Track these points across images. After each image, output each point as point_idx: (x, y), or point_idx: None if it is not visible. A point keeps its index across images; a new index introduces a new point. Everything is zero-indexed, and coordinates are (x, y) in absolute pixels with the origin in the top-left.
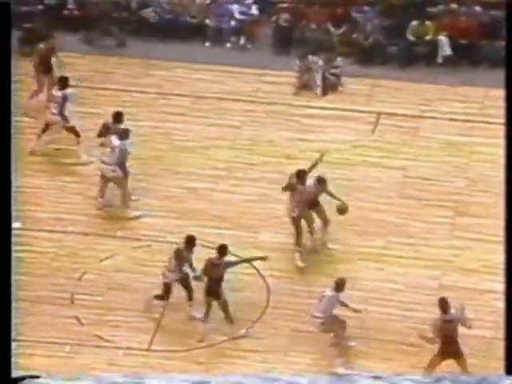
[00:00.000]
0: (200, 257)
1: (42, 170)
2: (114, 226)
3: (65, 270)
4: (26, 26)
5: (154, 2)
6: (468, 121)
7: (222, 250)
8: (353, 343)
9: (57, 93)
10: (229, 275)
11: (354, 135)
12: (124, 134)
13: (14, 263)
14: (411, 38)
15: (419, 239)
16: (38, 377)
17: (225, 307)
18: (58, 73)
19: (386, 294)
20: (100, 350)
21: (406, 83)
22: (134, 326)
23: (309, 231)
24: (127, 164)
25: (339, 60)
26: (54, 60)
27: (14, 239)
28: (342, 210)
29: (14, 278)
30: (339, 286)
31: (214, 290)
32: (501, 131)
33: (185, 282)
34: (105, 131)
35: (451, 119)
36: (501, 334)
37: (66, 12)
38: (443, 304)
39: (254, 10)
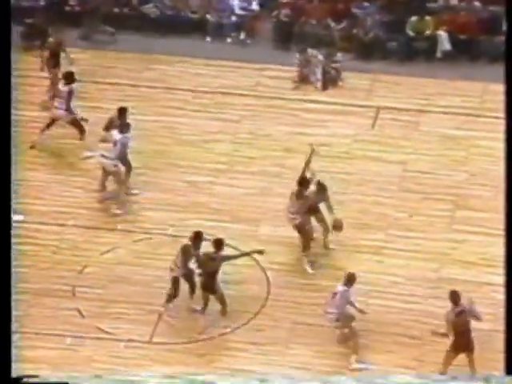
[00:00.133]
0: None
1: (44, 163)
2: (114, 219)
3: (66, 263)
4: (28, 22)
5: None
6: (467, 115)
7: (219, 243)
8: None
9: (63, 88)
10: (229, 268)
11: (354, 129)
12: (125, 128)
13: (15, 256)
14: (411, 33)
15: (419, 232)
16: (36, 376)
17: (222, 300)
18: (66, 67)
19: (385, 286)
20: (101, 342)
21: (405, 78)
22: (135, 318)
23: (310, 238)
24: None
25: (339, 55)
26: (62, 55)
27: (15, 232)
28: (337, 226)
29: (15, 270)
30: (350, 280)
31: (209, 285)
32: (500, 125)
33: (189, 277)
34: (110, 126)
35: (450, 113)
36: (500, 326)
37: (67, 8)
38: (454, 297)
39: (255, 5)
